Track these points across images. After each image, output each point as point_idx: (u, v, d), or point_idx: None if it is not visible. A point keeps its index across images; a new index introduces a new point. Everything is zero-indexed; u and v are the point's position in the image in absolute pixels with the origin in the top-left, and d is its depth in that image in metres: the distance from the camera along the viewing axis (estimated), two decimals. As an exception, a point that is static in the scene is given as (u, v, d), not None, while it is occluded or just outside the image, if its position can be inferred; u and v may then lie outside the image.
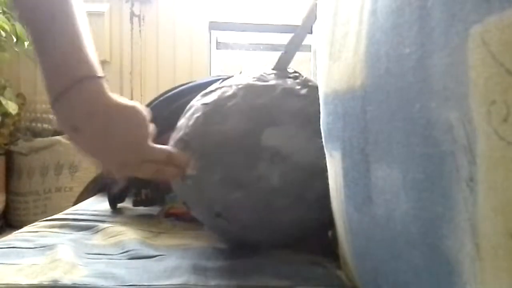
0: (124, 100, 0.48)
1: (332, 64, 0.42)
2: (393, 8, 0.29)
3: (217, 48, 2.66)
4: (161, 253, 0.61)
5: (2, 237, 0.71)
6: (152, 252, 0.62)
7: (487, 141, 0.22)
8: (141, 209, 0.93)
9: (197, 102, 0.63)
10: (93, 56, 0.46)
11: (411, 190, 0.28)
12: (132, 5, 2.71)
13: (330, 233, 0.61)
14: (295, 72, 0.64)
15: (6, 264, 0.55)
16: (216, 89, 0.62)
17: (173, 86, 0.96)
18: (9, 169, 2.34)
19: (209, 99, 0.61)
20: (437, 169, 0.26)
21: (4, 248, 0.62)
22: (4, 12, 2.24)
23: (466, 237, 0.23)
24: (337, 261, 0.56)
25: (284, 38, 2.57)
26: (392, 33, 0.29)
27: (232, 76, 0.68)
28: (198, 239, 0.69)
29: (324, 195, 0.55)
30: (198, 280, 0.52)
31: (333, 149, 0.44)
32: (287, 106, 0.57)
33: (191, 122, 0.59)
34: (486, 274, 0.22)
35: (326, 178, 0.53)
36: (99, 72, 0.46)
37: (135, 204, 0.94)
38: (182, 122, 0.62)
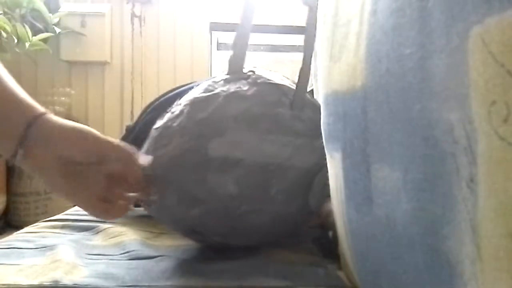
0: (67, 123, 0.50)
1: (333, 65, 0.42)
2: (394, 9, 0.29)
3: (217, 49, 2.66)
4: (161, 254, 0.61)
5: (3, 237, 0.71)
6: (152, 253, 0.62)
7: (487, 141, 0.22)
8: (142, 210, 0.93)
9: (155, 126, 0.63)
10: (25, 96, 0.48)
11: (412, 190, 0.28)
12: (133, 6, 2.72)
13: (330, 233, 0.60)
14: (250, 71, 0.63)
15: (7, 264, 0.55)
16: (171, 108, 0.62)
17: (173, 87, 0.96)
18: (10, 170, 2.34)
19: (160, 122, 0.61)
20: (438, 170, 0.26)
21: (5, 248, 0.62)
22: (5, 13, 2.24)
23: (467, 238, 0.23)
24: (337, 261, 0.56)
25: (285, 39, 2.57)
26: (393, 33, 0.29)
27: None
28: (198, 239, 0.69)
29: (286, 188, 0.57)
30: (198, 281, 0.52)
31: (333, 150, 0.44)
32: (230, 112, 0.57)
33: (143, 149, 0.60)
34: (486, 275, 0.22)
35: (284, 171, 0.56)
36: (40, 108, 0.48)
37: (136, 205, 0.94)
38: (143, 147, 0.61)
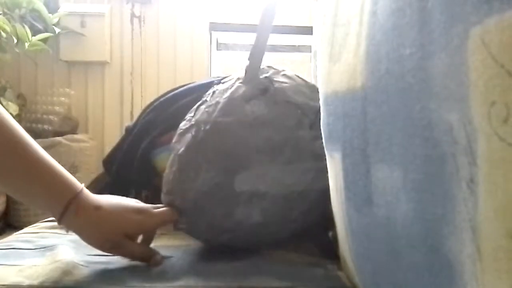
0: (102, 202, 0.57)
1: (333, 65, 0.42)
2: (394, 9, 0.29)
3: (217, 49, 2.67)
4: (161, 254, 0.61)
5: (3, 238, 0.71)
6: (152, 253, 0.62)
7: (487, 142, 0.22)
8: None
9: (175, 145, 0.64)
10: (64, 173, 0.55)
11: (412, 191, 0.28)
12: (133, 6, 2.72)
13: (330, 234, 0.61)
14: (266, 80, 0.63)
15: (7, 265, 0.55)
16: (189, 127, 0.62)
17: (173, 87, 0.96)
18: (10, 170, 2.34)
19: (183, 144, 0.62)
20: (438, 170, 0.26)
21: (5, 249, 0.62)
22: (4, 13, 2.24)
23: (467, 238, 0.23)
24: (337, 262, 0.56)
25: (284, 39, 2.57)
26: (393, 34, 0.29)
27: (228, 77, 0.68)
28: (198, 240, 0.69)
29: (307, 209, 0.60)
30: (198, 282, 0.52)
31: (333, 150, 0.44)
32: (253, 143, 0.58)
33: (171, 177, 0.62)
34: (486, 276, 0.22)
35: (306, 196, 0.59)
36: (77, 185, 0.55)
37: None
38: (166, 173, 0.64)
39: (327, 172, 0.54)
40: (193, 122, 0.62)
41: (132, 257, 0.58)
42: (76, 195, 0.54)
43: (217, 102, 0.61)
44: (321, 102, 0.47)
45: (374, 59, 0.32)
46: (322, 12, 0.48)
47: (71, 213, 0.54)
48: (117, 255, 0.58)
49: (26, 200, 0.58)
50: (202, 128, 0.60)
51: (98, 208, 0.55)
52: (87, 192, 0.56)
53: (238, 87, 0.62)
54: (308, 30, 2.14)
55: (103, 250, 0.57)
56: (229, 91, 0.62)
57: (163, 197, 0.64)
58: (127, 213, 0.57)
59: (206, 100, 0.64)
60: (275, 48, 2.50)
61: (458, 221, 0.24)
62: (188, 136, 0.61)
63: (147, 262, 0.57)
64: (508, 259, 0.21)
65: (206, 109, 0.61)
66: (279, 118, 0.59)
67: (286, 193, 0.58)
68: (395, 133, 0.30)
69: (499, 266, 0.21)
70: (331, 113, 0.43)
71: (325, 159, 0.53)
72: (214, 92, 0.64)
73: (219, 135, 0.59)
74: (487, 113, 0.21)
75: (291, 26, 2.47)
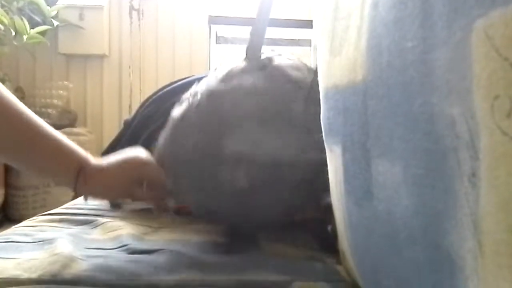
0: (113, 160, 0.63)
1: (333, 59, 0.42)
2: (395, 2, 0.29)
3: (216, 43, 2.65)
4: (160, 248, 0.61)
5: (1, 231, 0.71)
6: (151, 247, 0.62)
7: (490, 136, 0.21)
8: (140, 204, 0.93)
9: (173, 112, 0.66)
10: (72, 146, 0.60)
11: (412, 185, 0.28)
12: (131, -1, 2.70)
13: (329, 227, 0.60)
14: (266, 59, 0.65)
15: (5, 258, 0.55)
16: (188, 96, 0.65)
17: (172, 80, 0.95)
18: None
19: (179, 111, 0.64)
20: (439, 165, 0.25)
21: (3, 242, 0.62)
22: (2, 6, 2.23)
23: (468, 233, 0.23)
24: (336, 256, 0.55)
25: (284, 33, 2.56)
26: (394, 27, 0.29)
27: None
28: (197, 233, 0.69)
29: (296, 182, 0.58)
30: (196, 275, 0.52)
31: (333, 144, 0.43)
32: (245, 109, 0.58)
33: (162, 140, 0.64)
34: (488, 270, 0.22)
35: (294, 167, 0.57)
36: (81, 157, 0.60)
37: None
38: (161, 135, 0.67)
39: (318, 146, 0.54)
40: (192, 92, 0.64)
41: (143, 199, 0.68)
42: (81, 168, 0.59)
43: (217, 75, 0.63)
44: (321, 96, 0.47)
45: (375, 52, 0.32)
46: (322, 5, 0.47)
47: (81, 183, 0.59)
48: (131, 200, 0.68)
49: (36, 174, 0.67)
50: (199, 95, 0.62)
51: (102, 170, 0.61)
52: (90, 159, 0.61)
53: (239, 63, 0.64)
54: (308, 24, 2.13)
55: (118, 200, 0.69)
56: (230, 67, 0.64)
57: (155, 158, 0.65)
58: (128, 167, 0.63)
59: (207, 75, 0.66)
60: (274, 42, 2.49)
61: (459, 215, 0.24)
62: (185, 103, 0.63)
63: (157, 204, 0.67)
64: (510, 254, 0.21)
65: (206, 81, 0.64)
66: (275, 89, 0.60)
67: (273, 161, 0.57)
68: (396, 127, 0.30)
69: (500, 261, 0.21)
70: (331, 107, 0.43)
71: (317, 132, 0.53)
72: (215, 69, 0.67)
73: (214, 100, 0.60)
74: (490, 107, 0.21)
75: (290, 19, 2.46)
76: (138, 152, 0.65)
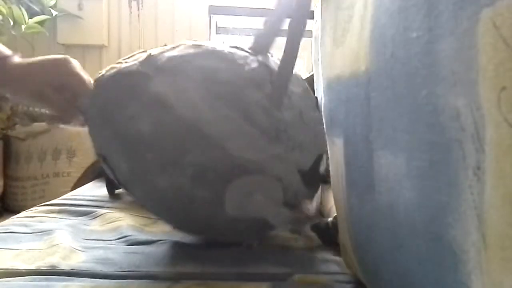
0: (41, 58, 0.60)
1: (335, 50, 0.41)
2: (400, -9, 0.29)
3: (216, 33, 2.64)
4: (159, 240, 0.61)
5: (0, 222, 0.71)
6: (150, 238, 0.62)
7: (496, 128, 0.21)
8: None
9: None
10: None
11: (416, 178, 0.28)
12: (131, -12, 2.68)
13: (329, 220, 0.60)
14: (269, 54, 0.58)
15: (4, 249, 0.55)
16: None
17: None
18: (7, 154, 2.34)
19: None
20: (443, 157, 0.25)
21: (2, 233, 0.62)
22: (0, -5, 2.21)
23: (472, 226, 0.23)
24: (337, 248, 0.55)
25: (285, 24, 2.54)
26: (399, 17, 0.29)
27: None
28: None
29: (200, 164, 0.49)
30: (196, 267, 0.52)
31: (335, 136, 0.43)
32: (196, 63, 0.51)
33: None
34: (492, 264, 0.22)
35: (206, 147, 0.49)
36: (7, 51, 0.60)
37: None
38: None
39: (241, 140, 0.49)
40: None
41: (55, 109, 0.60)
42: (0, 58, 0.58)
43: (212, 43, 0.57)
44: (323, 87, 0.47)
45: (379, 43, 0.32)
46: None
47: None
48: (43, 107, 0.61)
49: None
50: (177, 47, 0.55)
51: (22, 64, 0.59)
52: (15, 57, 0.60)
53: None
54: (309, 15, 2.12)
55: (32, 102, 0.61)
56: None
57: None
58: (50, 67, 0.59)
59: None
60: (281, 33, 2.47)
61: (463, 209, 0.24)
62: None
63: (67, 119, 0.61)
64: (515, 248, 0.20)
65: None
66: (251, 68, 0.52)
67: (188, 123, 0.49)
68: (400, 119, 0.29)
69: (505, 255, 0.21)
70: (334, 98, 0.43)
71: (254, 127, 0.49)
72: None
73: (179, 48, 0.54)
74: (496, 99, 0.21)
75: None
76: (69, 58, 0.61)
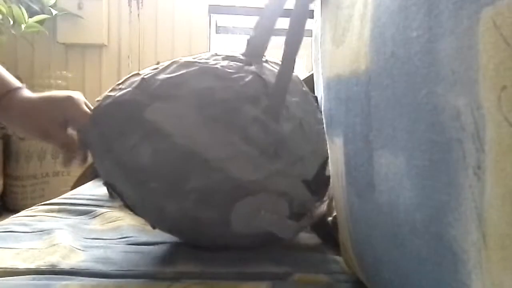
0: (43, 95, 0.60)
1: (335, 49, 0.41)
2: (400, -10, 0.28)
3: (216, 32, 2.64)
4: (159, 240, 0.61)
5: (0, 221, 0.71)
6: (150, 239, 0.62)
7: (496, 128, 0.21)
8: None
9: None
10: (5, 74, 0.59)
11: (416, 177, 0.28)
12: (131, -13, 2.68)
13: (330, 219, 0.60)
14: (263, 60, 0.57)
15: (4, 248, 0.55)
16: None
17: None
18: (7, 153, 2.34)
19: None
20: (443, 157, 0.25)
21: (2, 232, 0.62)
22: (0, -6, 2.21)
23: (472, 226, 0.23)
24: (337, 248, 0.55)
25: (283, 22, 2.55)
26: (399, 16, 0.29)
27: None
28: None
29: (202, 189, 0.50)
30: (196, 267, 0.52)
31: (334, 135, 0.43)
32: (191, 86, 0.51)
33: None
34: (492, 263, 0.22)
35: (207, 170, 0.49)
36: (13, 83, 0.59)
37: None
38: None
39: (243, 162, 0.49)
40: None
41: (60, 144, 0.60)
42: (7, 92, 0.57)
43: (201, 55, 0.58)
44: (323, 86, 0.47)
45: (379, 42, 0.31)
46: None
47: (2, 108, 0.57)
48: (49, 143, 0.61)
49: None
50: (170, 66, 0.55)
51: (26, 100, 0.58)
52: (22, 90, 0.59)
53: (235, 53, 0.58)
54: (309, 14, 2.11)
55: (37, 138, 0.61)
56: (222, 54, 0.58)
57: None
58: (54, 103, 0.59)
59: None
60: (274, 32, 2.47)
61: (463, 208, 0.24)
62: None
63: (71, 153, 0.60)
64: (515, 248, 0.20)
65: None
66: (243, 82, 0.52)
67: (188, 149, 0.49)
68: (400, 118, 0.29)
69: (505, 254, 0.21)
70: (333, 97, 0.43)
71: (252, 146, 0.49)
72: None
73: (169, 69, 0.54)
74: (497, 98, 0.21)
75: (291, 9, 2.44)
76: (73, 93, 0.61)
